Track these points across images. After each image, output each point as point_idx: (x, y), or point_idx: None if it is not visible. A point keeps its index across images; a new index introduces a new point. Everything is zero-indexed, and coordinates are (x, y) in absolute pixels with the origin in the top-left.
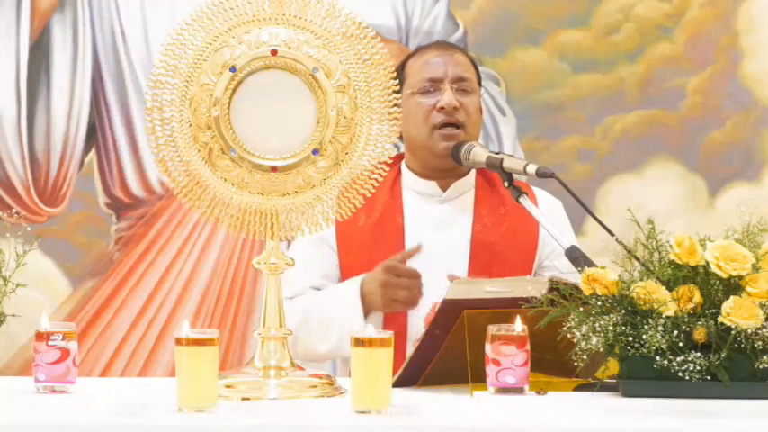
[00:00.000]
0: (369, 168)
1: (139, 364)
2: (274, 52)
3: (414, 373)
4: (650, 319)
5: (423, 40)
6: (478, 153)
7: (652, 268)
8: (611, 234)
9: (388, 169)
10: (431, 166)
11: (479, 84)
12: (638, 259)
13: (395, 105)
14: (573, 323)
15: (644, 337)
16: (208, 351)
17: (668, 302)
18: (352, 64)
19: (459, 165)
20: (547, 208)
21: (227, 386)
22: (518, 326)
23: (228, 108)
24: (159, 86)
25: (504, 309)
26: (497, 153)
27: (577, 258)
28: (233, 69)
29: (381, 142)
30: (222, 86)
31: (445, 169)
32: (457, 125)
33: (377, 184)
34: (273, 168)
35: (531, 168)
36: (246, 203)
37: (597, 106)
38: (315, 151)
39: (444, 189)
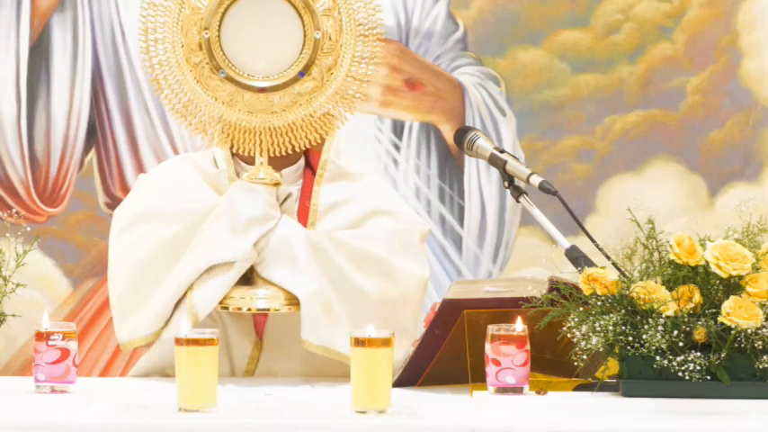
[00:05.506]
0: (353, 88)
1: None
2: None
3: (414, 373)
4: (650, 319)
5: (423, 39)
6: (483, 146)
7: (651, 271)
8: (605, 254)
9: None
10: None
11: None
12: (623, 274)
13: (377, 27)
14: (573, 323)
15: (644, 337)
16: (208, 351)
17: (668, 302)
18: None
19: (461, 150)
20: None
21: None
22: (518, 326)
23: (219, 30)
24: (153, 8)
25: (504, 309)
26: (502, 151)
27: (577, 258)
28: None
29: (365, 63)
30: (213, 9)
31: (271, 162)
32: None
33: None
34: (262, 89)
35: (535, 180)
36: (236, 120)
37: (597, 106)
38: (301, 73)
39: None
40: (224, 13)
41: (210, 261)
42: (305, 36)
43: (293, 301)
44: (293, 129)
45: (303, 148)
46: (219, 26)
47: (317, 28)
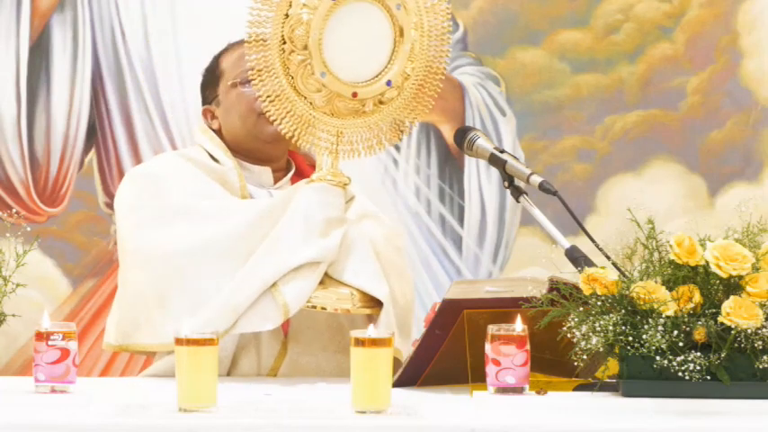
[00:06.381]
0: (420, 100)
1: (139, 364)
2: None
3: (414, 373)
4: (650, 319)
5: None
6: (483, 146)
7: (651, 271)
8: (605, 254)
9: (434, 103)
10: (257, 157)
11: None
12: (623, 274)
13: (447, 43)
14: (573, 323)
15: (644, 337)
16: (208, 351)
17: (668, 302)
18: (420, 5)
19: (461, 150)
20: None
21: None
22: (518, 326)
23: (323, 32)
24: (263, 2)
25: (504, 309)
26: (501, 151)
27: (577, 258)
28: None
29: (431, 78)
30: (322, 12)
31: (269, 158)
32: None
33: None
34: (354, 94)
35: (535, 180)
36: (317, 121)
37: (597, 106)
38: (389, 82)
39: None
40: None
41: (302, 260)
42: (395, 47)
43: (368, 304)
44: (365, 134)
45: (371, 154)
46: (324, 29)
47: (408, 41)
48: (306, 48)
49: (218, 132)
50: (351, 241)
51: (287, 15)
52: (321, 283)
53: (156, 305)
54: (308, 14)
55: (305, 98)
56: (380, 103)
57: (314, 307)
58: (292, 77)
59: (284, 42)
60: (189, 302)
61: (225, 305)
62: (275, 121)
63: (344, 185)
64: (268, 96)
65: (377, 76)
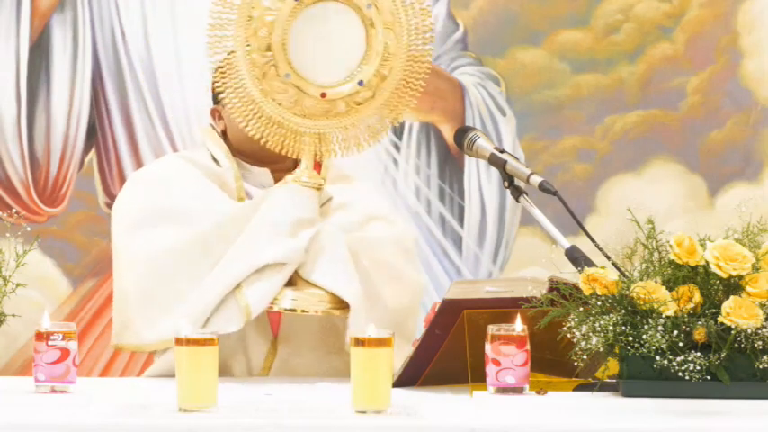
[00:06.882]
0: (400, 100)
1: (139, 364)
2: None
3: (414, 373)
4: (650, 319)
5: None
6: (483, 146)
7: (651, 271)
8: (605, 254)
9: (416, 102)
10: (260, 158)
11: None
12: (623, 274)
13: (429, 32)
14: (573, 323)
15: (644, 337)
16: (208, 351)
17: (668, 302)
18: (397, 4)
19: (461, 150)
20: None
21: None
22: (518, 326)
23: (287, 34)
24: (223, 4)
25: (504, 309)
26: (502, 151)
27: (577, 258)
28: None
29: (412, 78)
30: (285, 13)
31: (272, 160)
32: None
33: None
34: (323, 95)
35: (535, 180)
36: (288, 123)
37: (597, 106)
38: (360, 82)
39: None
40: (294, 17)
41: (266, 261)
42: (368, 47)
43: (339, 305)
44: (341, 135)
45: (348, 155)
46: (289, 31)
47: (381, 41)
48: (269, 49)
49: (224, 133)
50: (322, 242)
51: (250, 17)
52: (294, 284)
53: (139, 306)
54: (271, 16)
55: (273, 100)
56: (357, 104)
57: (293, 310)
58: (258, 79)
59: (248, 44)
60: (167, 304)
61: (196, 306)
62: (241, 122)
63: (319, 187)
64: (232, 98)
65: (348, 77)
